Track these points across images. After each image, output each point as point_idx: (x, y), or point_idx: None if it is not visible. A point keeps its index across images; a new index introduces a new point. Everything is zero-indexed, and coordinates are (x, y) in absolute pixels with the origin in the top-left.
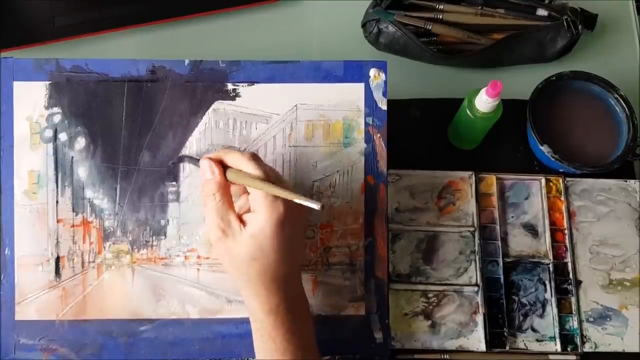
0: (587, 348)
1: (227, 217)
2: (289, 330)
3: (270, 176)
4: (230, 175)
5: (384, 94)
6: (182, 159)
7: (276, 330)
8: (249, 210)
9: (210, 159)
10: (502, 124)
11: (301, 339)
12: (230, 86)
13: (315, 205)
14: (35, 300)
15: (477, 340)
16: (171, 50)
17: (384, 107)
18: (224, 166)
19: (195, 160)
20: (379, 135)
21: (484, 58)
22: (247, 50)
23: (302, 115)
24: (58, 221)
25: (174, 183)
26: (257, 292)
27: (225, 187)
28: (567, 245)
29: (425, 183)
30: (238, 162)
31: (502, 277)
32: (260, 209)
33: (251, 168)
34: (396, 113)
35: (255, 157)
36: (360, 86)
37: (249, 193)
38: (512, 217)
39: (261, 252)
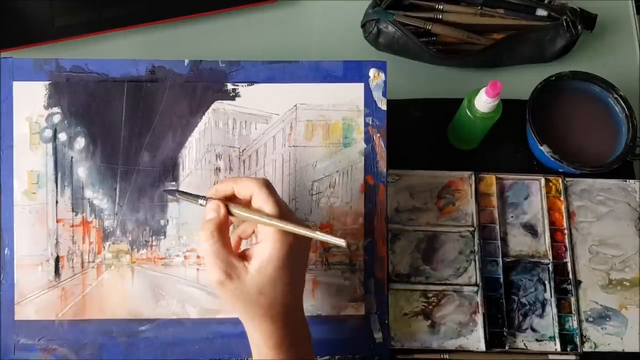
0: (587, 348)
1: (227, 258)
2: None
3: (282, 207)
4: (235, 210)
5: (384, 94)
6: (173, 193)
7: None
8: (249, 236)
9: (218, 191)
10: (502, 124)
11: None
12: (230, 86)
13: (340, 243)
14: (35, 300)
15: (476, 340)
16: (171, 50)
17: (384, 107)
18: (229, 198)
19: (188, 196)
20: (378, 135)
21: (484, 58)
22: (246, 50)
23: (301, 115)
24: (57, 221)
25: (174, 183)
26: (263, 327)
27: (224, 227)
28: (567, 245)
29: (425, 183)
30: (249, 189)
31: (501, 277)
32: (271, 238)
33: (262, 197)
34: (396, 113)
35: (267, 185)
36: (360, 86)
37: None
38: (512, 217)
39: (269, 286)
